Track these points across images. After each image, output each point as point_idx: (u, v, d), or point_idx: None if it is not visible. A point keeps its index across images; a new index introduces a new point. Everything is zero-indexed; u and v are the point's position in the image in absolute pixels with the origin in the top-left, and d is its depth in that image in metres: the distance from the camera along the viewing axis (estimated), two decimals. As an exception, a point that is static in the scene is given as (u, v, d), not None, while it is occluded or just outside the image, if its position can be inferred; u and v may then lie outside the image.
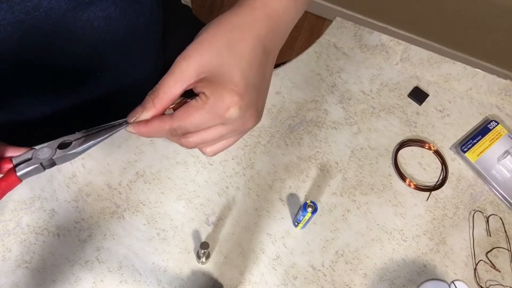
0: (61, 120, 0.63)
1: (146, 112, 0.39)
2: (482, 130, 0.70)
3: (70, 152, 0.38)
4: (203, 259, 0.56)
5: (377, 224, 0.62)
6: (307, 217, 0.56)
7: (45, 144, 0.39)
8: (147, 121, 0.40)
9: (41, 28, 0.50)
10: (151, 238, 0.57)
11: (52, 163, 0.39)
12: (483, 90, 0.75)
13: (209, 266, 0.57)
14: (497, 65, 1.75)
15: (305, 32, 1.88)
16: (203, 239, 0.58)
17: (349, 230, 0.62)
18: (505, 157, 0.68)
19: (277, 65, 0.74)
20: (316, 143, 0.67)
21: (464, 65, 0.75)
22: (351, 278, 0.59)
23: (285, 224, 0.61)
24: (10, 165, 0.38)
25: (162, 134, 0.40)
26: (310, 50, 0.76)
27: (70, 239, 0.56)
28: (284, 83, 0.71)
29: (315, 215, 0.60)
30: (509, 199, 0.66)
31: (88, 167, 0.61)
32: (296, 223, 0.60)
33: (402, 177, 0.66)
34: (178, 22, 0.83)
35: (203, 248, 0.53)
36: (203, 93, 0.37)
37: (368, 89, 0.73)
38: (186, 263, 0.57)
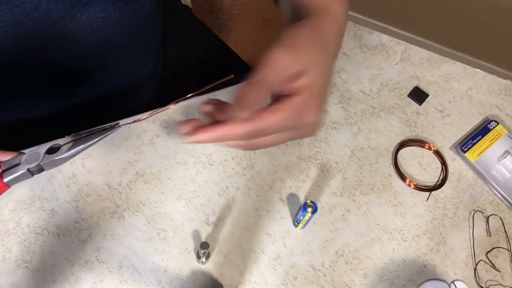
0: (61, 120, 0.63)
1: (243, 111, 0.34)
2: (482, 130, 0.70)
3: (58, 157, 0.37)
4: (203, 259, 0.56)
5: (377, 224, 0.62)
6: (307, 217, 0.56)
7: (34, 148, 0.38)
8: (215, 124, 0.34)
9: (40, 29, 0.50)
10: (151, 238, 0.57)
11: (40, 169, 0.38)
12: (483, 90, 0.75)
13: (209, 266, 0.57)
14: (497, 65, 1.75)
15: (305, 32, 1.88)
16: (203, 239, 0.58)
17: (349, 230, 0.62)
18: (505, 157, 0.68)
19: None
20: (316, 143, 0.67)
21: (464, 65, 0.75)
22: (351, 278, 0.59)
23: (285, 224, 0.61)
24: None
25: (233, 137, 0.35)
26: (310, 50, 0.76)
27: (70, 239, 0.56)
28: (284, 83, 0.71)
29: (315, 215, 0.60)
30: (509, 199, 0.66)
31: (88, 167, 0.61)
32: (296, 223, 0.60)
33: (402, 177, 0.66)
34: (178, 23, 0.84)
35: (203, 248, 0.53)
36: (293, 95, 0.35)
37: (368, 89, 0.73)
38: (186, 263, 0.57)
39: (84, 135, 0.38)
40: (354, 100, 0.72)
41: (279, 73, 0.35)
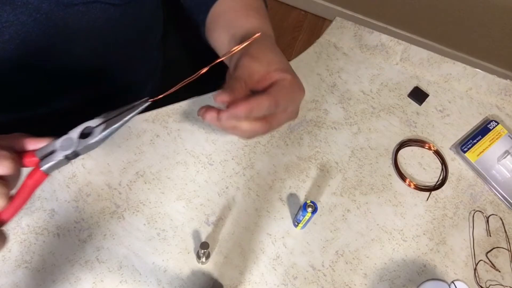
0: (62, 120, 0.63)
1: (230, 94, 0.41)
2: (482, 130, 0.70)
3: (93, 141, 0.36)
4: (203, 259, 0.56)
5: (377, 224, 0.62)
6: (307, 217, 0.56)
7: (66, 134, 0.37)
8: (242, 100, 0.40)
9: (42, 30, 0.50)
10: (151, 238, 0.57)
11: (76, 154, 0.37)
12: (483, 90, 0.75)
13: (209, 266, 0.57)
14: (497, 65, 1.75)
15: (305, 32, 1.88)
16: (203, 239, 0.58)
17: (349, 230, 0.62)
18: (505, 157, 0.68)
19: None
20: (316, 143, 0.67)
21: (464, 65, 0.75)
22: (351, 278, 0.58)
23: (285, 224, 0.61)
24: (35, 159, 0.36)
25: (261, 111, 0.41)
26: (310, 50, 0.76)
27: (70, 239, 0.56)
28: (284, 83, 0.71)
29: (315, 215, 0.60)
30: (509, 199, 0.66)
31: (88, 167, 0.61)
32: (296, 223, 0.60)
33: (402, 177, 0.66)
34: (179, 23, 0.84)
35: (203, 248, 0.53)
36: (284, 78, 0.44)
37: (368, 89, 0.73)
38: (186, 263, 0.57)
39: (114, 115, 0.38)
40: (354, 100, 0.72)
41: (250, 74, 0.44)
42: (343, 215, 0.62)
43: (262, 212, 0.61)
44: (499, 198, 0.67)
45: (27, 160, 0.36)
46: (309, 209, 0.54)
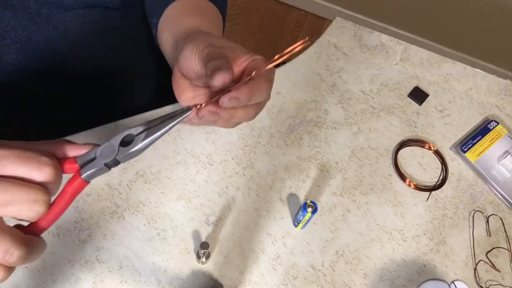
0: (64, 122, 0.63)
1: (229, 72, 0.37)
2: (482, 130, 0.70)
3: (134, 149, 0.36)
4: (203, 259, 0.56)
5: (377, 224, 0.62)
6: (307, 217, 0.56)
7: (108, 141, 0.37)
8: (242, 84, 0.38)
9: (43, 34, 0.50)
10: (151, 238, 0.57)
11: (117, 162, 0.36)
12: (483, 90, 0.75)
13: (209, 266, 0.57)
14: (497, 65, 1.75)
15: (305, 32, 1.88)
16: (203, 239, 0.58)
17: (349, 230, 0.62)
18: (505, 157, 0.68)
19: (277, 65, 0.73)
20: (316, 143, 0.67)
21: (464, 65, 0.75)
22: (351, 278, 0.59)
23: (285, 224, 0.61)
24: (75, 166, 0.36)
25: (261, 95, 0.39)
26: (310, 50, 0.76)
27: (70, 239, 0.56)
28: (284, 83, 0.71)
29: (315, 215, 0.60)
30: (509, 199, 0.66)
31: (88, 167, 0.61)
32: (296, 223, 0.60)
33: (402, 177, 0.66)
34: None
35: (203, 248, 0.53)
36: (255, 59, 0.41)
37: (368, 89, 0.73)
38: (186, 263, 0.57)
39: (156, 123, 0.37)
40: (354, 100, 0.72)
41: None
42: (343, 215, 0.62)
43: (262, 212, 0.61)
44: (499, 198, 0.67)
45: (68, 166, 0.36)
46: (309, 209, 0.54)
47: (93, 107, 0.65)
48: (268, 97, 0.41)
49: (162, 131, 0.36)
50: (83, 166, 0.36)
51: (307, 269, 0.58)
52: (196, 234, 0.58)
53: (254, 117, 0.42)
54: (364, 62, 0.76)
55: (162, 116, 0.37)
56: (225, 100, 0.37)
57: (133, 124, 0.64)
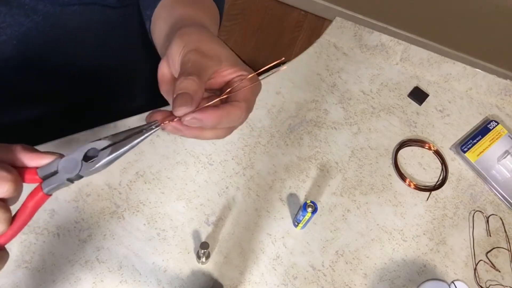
0: (62, 121, 0.63)
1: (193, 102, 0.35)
2: (482, 130, 0.70)
3: (97, 165, 0.34)
4: (203, 259, 0.56)
5: (377, 224, 0.62)
6: (307, 217, 0.56)
7: (70, 153, 0.35)
8: (211, 108, 0.36)
9: (40, 31, 0.50)
10: (151, 238, 0.57)
11: (79, 177, 0.35)
12: (483, 90, 0.75)
13: (209, 266, 0.57)
14: (497, 65, 1.75)
15: (305, 32, 1.88)
16: (203, 239, 0.58)
17: (349, 230, 0.62)
18: (505, 157, 0.68)
19: (277, 65, 0.74)
20: (316, 143, 0.67)
21: (464, 65, 0.75)
22: (351, 278, 0.59)
23: (285, 224, 0.61)
24: (36, 178, 0.35)
25: (231, 122, 0.37)
26: (310, 50, 0.76)
27: (70, 239, 0.56)
28: (284, 83, 0.71)
29: (315, 215, 0.60)
30: (509, 199, 0.66)
31: (88, 167, 0.61)
32: (296, 223, 0.60)
33: (402, 177, 0.66)
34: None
35: (203, 248, 0.53)
36: (241, 75, 0.39)
37: (368, 89, 0.73)
38: (186, 263, 0.57)
39: (121, 138, 0.35)
40: (354, 100, 0.72)
41: (201, 71, 0.38)
42: (343, 215, 0.62)
43: (262, 212, 0.61)
44: (499, 198, 0.67)
45: (28, 177, 0.35)
46: (309, 209, 0.54)
47: (92, 106, 0.65)
48: (241, 123, 0.39)
49: (127, 147, 0.35)
50: (44, 178, 0.34)
51: (307, 269, 0.58)
52: (196, 234, 0.58)
53: (224, 137, 0.40)
54: (364, 62, 0.76)
55: (127, 130, 0.36)
56: (187, 118, 0.35)
57: (133, 124, 0.64)
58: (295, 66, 0.73)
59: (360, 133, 0.69)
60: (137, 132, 0.36)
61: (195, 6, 0.50)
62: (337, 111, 0.70)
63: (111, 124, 0.63)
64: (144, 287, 0.55)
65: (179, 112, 0.35)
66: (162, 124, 0.37)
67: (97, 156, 0.35)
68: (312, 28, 1.89)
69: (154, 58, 0.73)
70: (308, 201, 0.54)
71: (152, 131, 0.36)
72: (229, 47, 0.42)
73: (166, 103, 0.66)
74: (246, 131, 0.66)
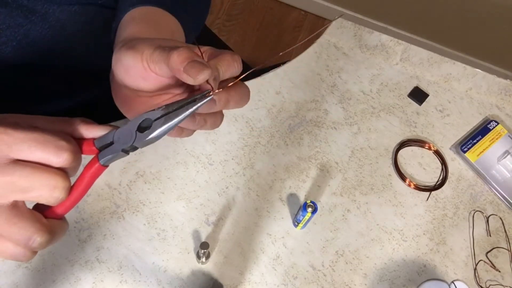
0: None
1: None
2: (482, 130, 0.70)
3: (151, 136, 0.34)
4: (203, 259, 0.56)
5: (377, 224, 0.62)
6: (307, 217, 0.56)
7: (125, 125, 0.35)
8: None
9: (39, 32, 0.50)
10: (151, 238, 0.57)
11: (134, 148, 0.35)
12: (483, 90, 0.75)
13: (209, 266, 0.57)
14: (497, 65, 1.75)
15: (305, 32, 1.88)
16: (203, 239, 0.58)
17: (349, 230, 0.62)
18: (505, 157, 0.68)
19: (277, 65, 0.74)
20: (316, 143, 0.67)
21: (464, 65, 0.75)
22: (351, 278, 0.59)
23: (285, 224, 0.61)
24: (93, 149, 0.35)
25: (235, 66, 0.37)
26: (310, 50, 0.76)
27: (70, 239, 0.56)
28: (284, 83, 0.71)
29: (315, 215, 0.60)
30: (509, 199, 0.66)
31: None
32: (296, 223, 0.60)
33: (402, 177, 0.66)
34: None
35: (203, 248, 0.53)
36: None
37: (368, 89, 0.73)
38: (186, 263, 0.57)
39: (174, 108, 0.34)
40: (354, 100, 0.72)
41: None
42: (343, 215, 0.62)
43: (262, 212, 0.61)
44: (499, 198, 0.67)
45: (86, 148, 0.35)
46: (309, 209, 0.54)
47: (92, 104, 0.65)
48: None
49: (181, 116, 0.34)
50: (101, 149, 0.35)
51: (307, 269, 0.58)
52: (196, 234, 0.58)
53: (218, 125, 0.39)
54: (364, 62, 0.76)
55: (180, 100, 0.35)
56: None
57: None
58: (295, 66, 0.73)
59: (360, 133, 0.69)
60: (191, 101, 0.35)
61: (147, 24, 0.47)
62: (337, 111, 0.70)
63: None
64: (144, 287, 0.55)
65: (207, 74, 0.34)
66: (214, 92, 0.36)
67: (151, 126, 0.34)
68: (312, 28, 1.89)
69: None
70: (308, 201, 0.54)
71: (206, 99, 0.35)
72: (229, 47, 0.42)
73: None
74: (246, 131, 0.66)
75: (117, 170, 0.61)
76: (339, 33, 0.77)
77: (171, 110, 0.34)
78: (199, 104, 0.34)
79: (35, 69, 0.55)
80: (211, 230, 0.59)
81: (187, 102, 0.35)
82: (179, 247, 0.57)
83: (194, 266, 0.57)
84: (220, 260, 0.57)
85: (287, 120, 0.68)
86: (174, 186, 0.61)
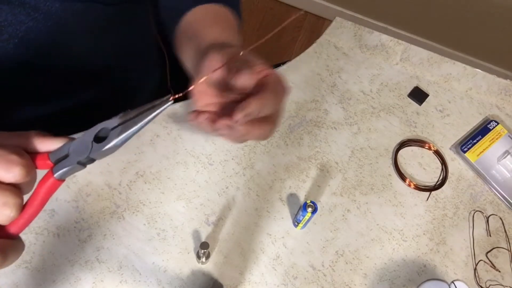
0: (63, 121, 0.63)
1: None
2: (482, 130, 0.70)
3: (108, 146, 0.33)
4: (203, 259, 0.56)
5: (377, 224, 0.62)
6: (307, 217, 0.56)
7: (80, 135, 0.33)
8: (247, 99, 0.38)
9: (41, 29, 0.50)
10: (151, 238, 0.57)
11: (91, 160, 0.33)
12: (483, 90, 0.75)
13: (209, 266, 0.57)
14: (497, 65, 1.75)
15: (305, 32, 1.88)
16: (203, 239, 0.58)
17: (349, 230, 0.62)
18: (505, 157, 0.68)
19: (277, 65, 0.74)
20: (316, 143, 0.67)
21: (464, 65, 0.75)
22: (351, 278, 0.59)
23: (285, 224, 0.61)
24: (48, 163, 0.33)
25: (270, 105, 0.39)
26: (310, 50, 0.76)
27: (70, 239, 0.56)
28: (284, 83, 0.71)
29: (315, 215, 0.60)
30: (509, 199, 0.66)
31: (88, 167, 0.60)
32: (296, 223, 0.60)
33: (402, 177, 0.66)
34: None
35: (203, 248, 0.53)
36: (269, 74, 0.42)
37: (368, 89, 0.73)
38: (186, 263, 0.57)
39: (133, 116, 0.33)
40: (354, 100, 0.72)
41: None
42: (343, 215, 0.62)
43: (262, 212, 0.61)
44: (499, 198, 0.67)
45: (40, 162, 0.33)
46: (309, 209, 0.54)
47: (93, 104, 0.65)
48: (275, 109, 0.41)
49: (139, 124, 0.32)
50: (56, 163, 0.33)
51: (307, 269, 0.58)
52: (196, 234, 0.58)
53: (270, 134, 0.41)
54: (364, 62, 0.76)
55: (139, 108, 0.33)
56: (239, 117, 0.37)
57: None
58: (295, 66, 0.73)
59: (360, 133, 0.69)
60: (149, 108, 0.33)
61: (223, 27, 0.53)
62: (337, 111, 0.70)
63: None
64: (144, 287, 0.55)
65: (242, 80, 0.38)
66: (173, 97, 0.35)
67: (107, 136, 0.33)
68: (312, 28, 1.89)
69: (156, 56, 0.73)
70: (308, 201, 0.54)
71: (166, 105, 0.33)
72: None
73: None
74: (246, 131, 0.66)
75: (117, 170, 0.61)
76: (339, 33, 0.77)
77: (128, 118, 0.33)
78: (158, 111, 0.33)
79: (35, 69, 0.54)
80: (211, 230, 0.59)
81: (146, 109, 0.33)
82: (179, 247, 0.57)
83: (194, 266, 0.57)
84: (220, 260, 0.57)
85: (287, 120, 0.68)
86: (174, 186, 0.61)
